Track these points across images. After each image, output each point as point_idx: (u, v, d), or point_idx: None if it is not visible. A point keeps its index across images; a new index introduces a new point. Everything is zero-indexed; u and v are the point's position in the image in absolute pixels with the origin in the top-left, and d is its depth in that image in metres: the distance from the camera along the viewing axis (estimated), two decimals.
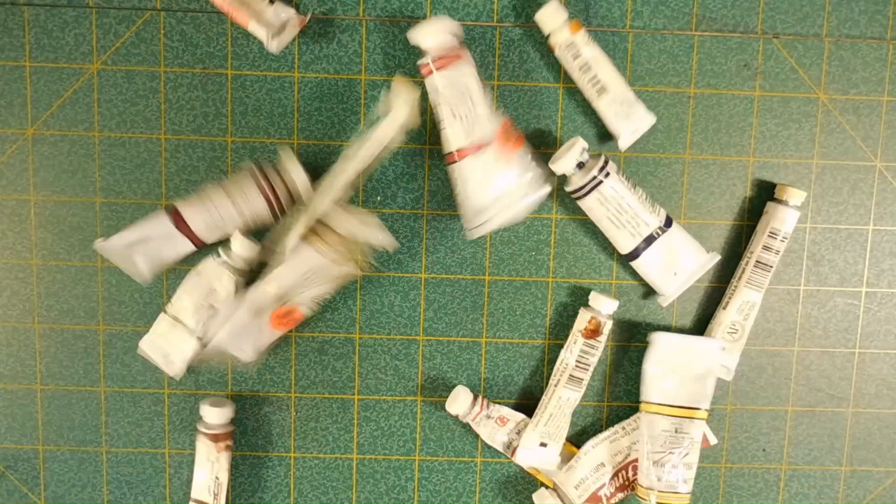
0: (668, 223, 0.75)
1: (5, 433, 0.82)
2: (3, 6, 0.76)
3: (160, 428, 0.82)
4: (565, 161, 0.73)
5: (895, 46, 0.78)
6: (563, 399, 0.76)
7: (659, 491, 0.76)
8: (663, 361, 0.77)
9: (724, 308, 0.78)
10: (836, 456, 0.83)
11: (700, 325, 0.81)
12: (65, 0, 0.76)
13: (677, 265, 0.75)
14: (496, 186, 0.71)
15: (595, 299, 0.77)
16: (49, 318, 0.80)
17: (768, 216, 0.77)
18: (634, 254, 0.75)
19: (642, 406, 0.78)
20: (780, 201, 0.77)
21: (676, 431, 0.77)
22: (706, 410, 0.77)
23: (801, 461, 0.83)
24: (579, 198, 0.75)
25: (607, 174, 0.73)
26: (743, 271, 0.77)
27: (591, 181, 0.73)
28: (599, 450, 0.78)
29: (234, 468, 0.82)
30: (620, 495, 0.79)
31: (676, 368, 0.77)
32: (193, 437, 0.82)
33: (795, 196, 0.76)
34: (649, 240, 0.75)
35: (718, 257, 0.77)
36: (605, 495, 0.78)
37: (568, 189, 0.75)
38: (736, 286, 0.78)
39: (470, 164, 0.72)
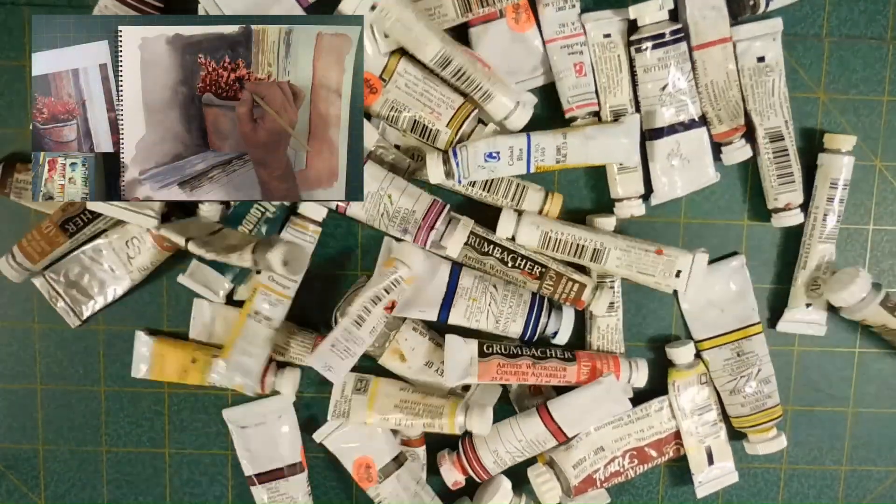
0: (701, 125, 0.76)
1: (5, 433, 0.82)
2: (3, 6, 0.76)
3: (160, 428, 0.82)
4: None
5: (895, 46, 0.78)
6: None
7: (751, 414, 0.78)
8: (696, 297, 0.79)
9: (803, 268, 0.78)
10: (836, 456, 0.83)
11: (776, 303, 0.81)
12: (65, 0, 0.76)
13: (683, 169, 0.76)
14: (506, 61, 0.75)
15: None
16: (49, 318, 0.79)
17: (825, 168, 0.77)
18: (659, 133, 0.75)
19: (698, 347, 0.80)
20: (832, 151, 0.77)
21: (739, 355, 0.79)
22: (759, 323, 0.79)
23: (801, 461, 0.83)
24: (644, 47, 0.73)
25: (678, 40, 0.73)
26: (813, 227, 0.77)
27: (671, 33, 0.72)
28: (602, 433, 0.78)
29: (235, 467, 0.82)
30: (615, 480, 0.79)
31: (712, 299, 0.79)
32: (193, 437, 0.82)
33: (846, 142, 0.76)
34: (683, 126, 0.75)
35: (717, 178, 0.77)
36: (600, 479, 0.78)
37: (636, 37, 0.74)
38: (809, 244, 0.78)
39: (478, 34, 0.74)
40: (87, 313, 0.78)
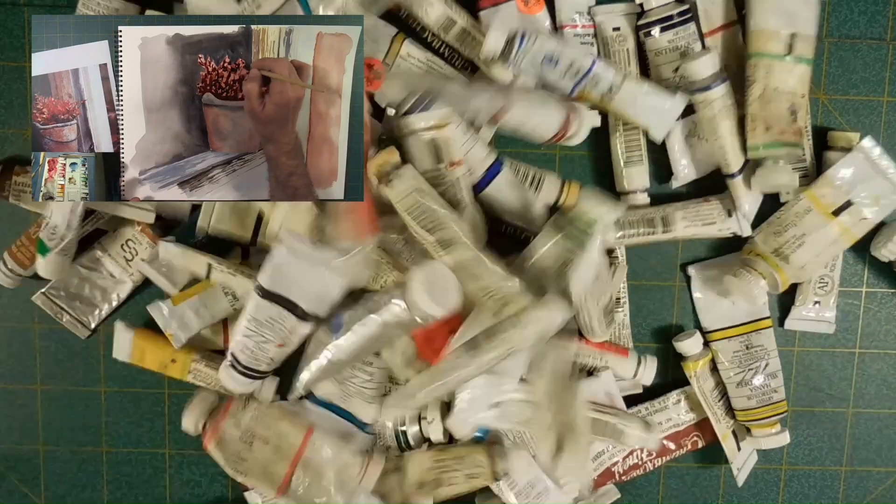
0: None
1: (5, 433, 0.82)
2: (3, 6, 0.76)
3: (160, 428, 0.82)
4: None
5: (895, 47, 0.78)
6: None
7: (757, 407, 0.78)
8: (708, 288, 0.79)
9: None
10: (836, 456, 0.83)
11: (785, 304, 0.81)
12: (65, 0, 0.76)
13: (701, 148, 0.77)
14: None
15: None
16: (49, 318, 0.80)
17: (827, 165, 0.77)
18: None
19: (707, 337, 0.80)
20: (834, 148, 0.77)
21: (748, 348, 0.79)
22: (769, 318, 0.79)
23: (801, 461, 0.83)
24: (652, 31, 0.73)
25: (686, 21, 0.73)
26: None
27: (678, 14, 0.72)
28: None
29: None
30: (634, 473, 0.79)
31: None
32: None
33: (849, 140, 0.76)
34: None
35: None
36: (619, 472, 0.78)
37: (643, 22, 0.74)
38: None
39: (488, 16, 0.74)
40: (94, 322, 0.78)
